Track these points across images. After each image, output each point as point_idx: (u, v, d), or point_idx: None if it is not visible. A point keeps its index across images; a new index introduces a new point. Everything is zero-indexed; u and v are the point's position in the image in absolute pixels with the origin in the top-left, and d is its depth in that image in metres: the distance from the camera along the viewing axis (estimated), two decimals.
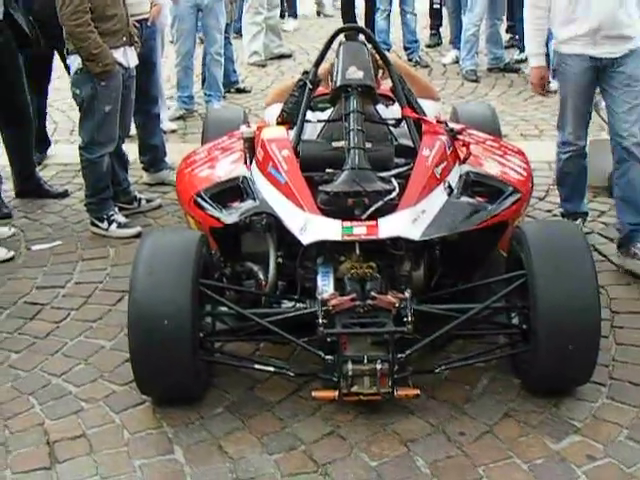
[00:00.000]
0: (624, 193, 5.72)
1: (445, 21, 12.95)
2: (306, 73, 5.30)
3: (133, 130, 7.43)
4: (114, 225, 6.49)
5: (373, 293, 4.18)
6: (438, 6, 12.93)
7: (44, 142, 8.11)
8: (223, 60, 9.94)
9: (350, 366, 3.96)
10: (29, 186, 7.31)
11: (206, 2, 9.36)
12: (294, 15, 15.23)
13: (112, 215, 6.52)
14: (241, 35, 12.48)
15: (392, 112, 5.32)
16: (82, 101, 6.24)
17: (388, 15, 12.11)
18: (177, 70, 9.67)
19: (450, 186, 4.72)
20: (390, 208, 4.38)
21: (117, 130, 6.40)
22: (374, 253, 4.40)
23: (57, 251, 6.30)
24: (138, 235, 6.40)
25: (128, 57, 6.35)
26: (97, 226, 6.52)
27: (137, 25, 6.73)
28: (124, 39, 6.24)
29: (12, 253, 6.20)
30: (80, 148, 6.44)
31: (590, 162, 6.89)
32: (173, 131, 9.05)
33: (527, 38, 6.19)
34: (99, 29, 5.99)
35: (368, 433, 4.12)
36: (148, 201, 7.04)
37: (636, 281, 5.51)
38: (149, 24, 7.30)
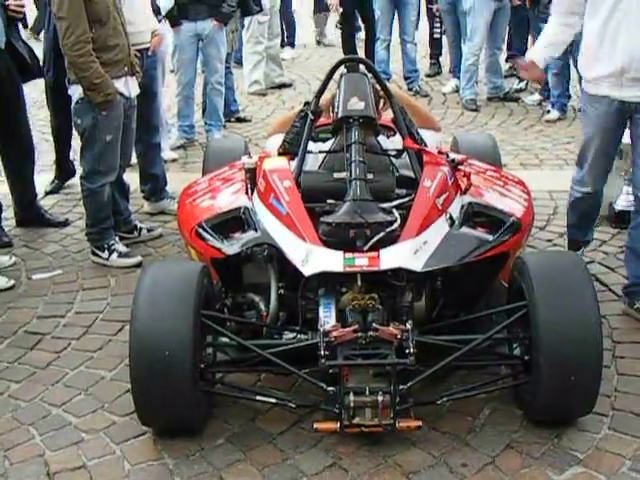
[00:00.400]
0: (634, 244, 5.57)
1: (445, 50, 13.00)
2: (307, 104, 5.33)
3: (134, 159, 7.44)
4: (115, 254, 6.49)
5: (375, 324, 4.17)
6: (438, 35, 12.99)
7: (67, 172, 8.15)
8: (224, 89, 9.97)
9: (352, 397, 3.95)
10: (30, 215, 7.32)
11: (207, 32, 9.39)
12: (292, 44, 15.32)
13: (113, 244, 6.52)
14: (242, 65, 12.52)
15: (393, 143, 5.35)
16: (84, 130, 6.25)
17: (388, 45, 12.16)
18: (178, 100, 9.70)
19: (451, 217, 4.73)
20: (392, 239, 4.37)
21: (118, 159, 6.41)
22: (376, 284, 4.40)
23: (57, 280, 6.29)
24: (139, 264, 6.40)
25: (129, 87, 6.36)
26: (98, 255, 6.52)
27: (138, 55, 6.75)
28: (125, 69, 6.26)
29: (12, 282, 6.20)
30: (81, 177, 6.45)
31: None
32: (174, 160, 9.06)
33: (536, 45, 5.90)
34: (101, 59, 6.01)
35: (370, 465, 4.10)
36: (149, 230, 7.05)
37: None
38: (150, 54, 7.31)
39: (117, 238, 6.64)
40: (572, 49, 9.63)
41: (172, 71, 9.97)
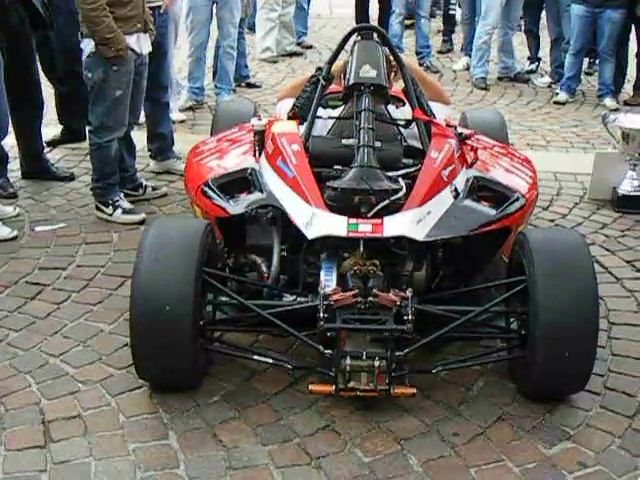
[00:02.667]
0: None
1: (458, 28, 12.98)
2: (320, 69, 5.33)
3: (142, 118, 7.45)
4: (119, 211, 6.51)
5: (375, 290, 4.20)
6: (453, 12, 12.97)
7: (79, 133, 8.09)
8: (235, 54, 9.96)
9: (348, 361, 3.98)
10: (35, 167, 7.34)
11: None
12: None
13: (117, 201, 6.54)
14: (254, 30, 12.52)
15: (403, 113, 5.35)
16: (93, 84, 6.25)
17: (403, 19, 12.14)
18: (189, 61, 9.69)
19: (456, 189, 4.74)
20: (396, 208, 4.39)
21: (127, 116, 6.42)
22: (378, 251, 4.42)
23: (61, 233, 6.31)
24: (142, 222, 6.43)
25: (141, 44, 6.36)
26: (102, 210, 6.54)
27: (150, 12, 6.75)
28: (138, 25, 6.26)
29: (15, 232, 6.22)
30: (89, 132, 6.47)
31: (594, 175, 6.96)
32: (182, 121, 9.08)
33: None
34: (114, 14, 6.01)
35: (363, 429, 4.14)
36: (154, 189, 7.07)
37: (634, 294, 5.53)
38: (162, 11, 7.30)
39: (122, 195, 6.66)
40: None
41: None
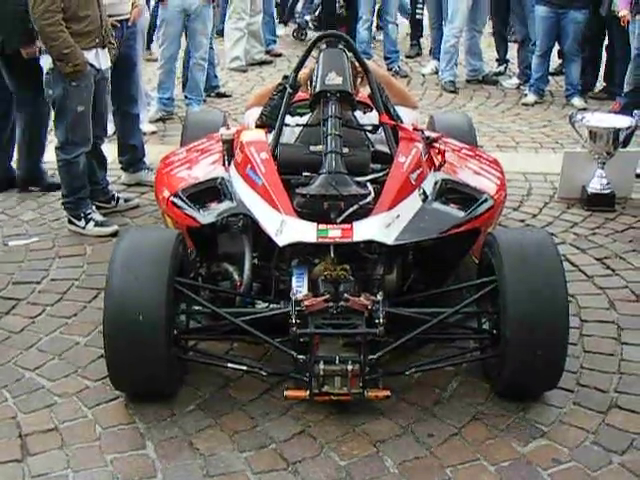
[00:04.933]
0: None
1: (426, 32, 13.04)
2: (286, 78, 5.36)
3: (111, 130, 7.46)
4: (91, 223, 6.51)
5: (346, 295, 4.22)
6: (420, 17, 13.03)
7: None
8: (206, 65, 9.99)
9: (322, 366, 4.01)
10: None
11: (194, 7, 9.41)
12: (284, 22, 15.40)
13: (89, 213, 6.55)
14: (222, 36, 12.55)
15: (370, 119, 5.39)
16: (54, 101, 6.27)
17: (370, 25, 12.19)
18: (159, 72, 9.72)
19: (425, 192, 4.78)
20: (365, 212, 4.42)
21: (91, 130, 6.41)
22: (348, 256, 4.46)
23: (34, 247, 6.32)
24: (115, 234, 6.42)
25: (100, 59, 6.34)
26: (74, 224, 6.55)
27: (118, 25, 6.77)
28: (97, 40, 6.24)
29: None
30: (56, 148, 6.47)
31: (564, 174, 7.03)
32: (153, 133, 9.09)
33: None
34: (71, 29, 6.01)
35: (338, 433, 4.16)
36: (126, 200, 7.08)
37: (605, 291, 5.59)
38: (129, 24, 7.32)
39: (94, 207, 6.67)
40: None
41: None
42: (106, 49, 6.41)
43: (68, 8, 5.98)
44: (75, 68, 6.05)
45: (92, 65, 6.23)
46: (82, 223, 6.51)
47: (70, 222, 6.59)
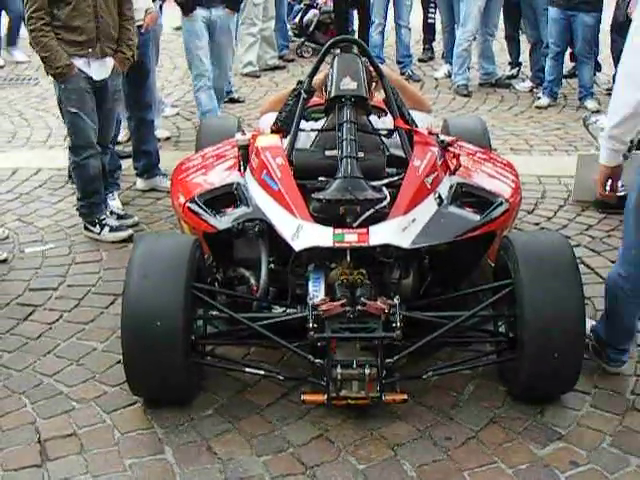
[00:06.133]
0: None
1: (438, 36, 13.04)
2: (301, 83, 5.38)
3: (127, 136, 7.47)
4: (106, 229, 6.54)
5: (363, 299, 4.24)
6: (432, 21, 13.03)
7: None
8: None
9: (339, 370, 4.03)
10: None
11: (219, 19, 9.10)
12: None
13: (104, 219, 6.58)
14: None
15: (384, 123, 5.40)
16: (58, 102, 6.42)
17: (383, 29, 12.18)
18: (197, 95, 9.23)
19: (440, 196, 4.79)
20: (381, 216, 4.44)
21: (92, 135, 6.36)
22: (364, 260, 4.47)
23: (50, 254, 6.35)
24: (130, 238, 6.46)
25: (92, 68, 6.27)
26: (90, 230, 6.59)
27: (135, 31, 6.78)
28: (90, 51, 6.19)
29: (5, 255, 6.25)
30: (68, 148, 6.59)
31: (578, 177, 7.01)
32: (167, 138, 9.08)
33: (612, 120, 4.27)
34: (60, 36, 6.08)
35: (356, 437, 4.18)
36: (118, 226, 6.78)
37: None
38: (143, 31, 7.33)
39: (108, 212, 6.71)
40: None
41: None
42: (107, 59, 6.34)
43: (60, 16, 6.04)
44: (56, 71, 6.12)
45: (82, 71, 6.20)
46: (97, 229, 6.54)
47: (86, 228, 6.63)
